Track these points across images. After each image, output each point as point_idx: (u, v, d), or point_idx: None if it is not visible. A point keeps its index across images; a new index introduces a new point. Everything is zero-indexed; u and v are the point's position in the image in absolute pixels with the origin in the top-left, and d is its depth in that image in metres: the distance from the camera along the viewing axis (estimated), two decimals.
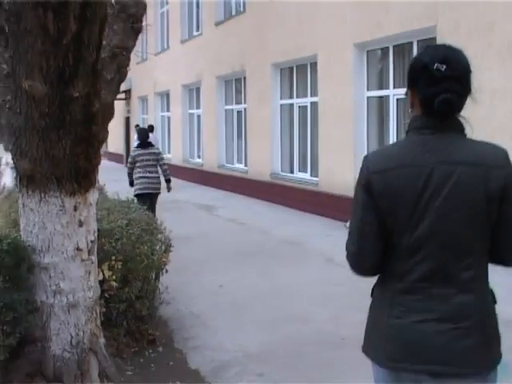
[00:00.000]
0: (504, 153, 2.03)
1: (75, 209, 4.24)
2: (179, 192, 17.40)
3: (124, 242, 4.96)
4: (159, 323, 5.74)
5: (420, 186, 1.98)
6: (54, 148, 3.96)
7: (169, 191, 10.89)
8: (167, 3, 23.25)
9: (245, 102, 16.35)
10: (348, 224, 2.23)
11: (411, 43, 10.03)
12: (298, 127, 13.89)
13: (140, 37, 21.45)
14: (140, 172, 10.17)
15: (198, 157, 20.34)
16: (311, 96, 13.12)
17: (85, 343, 4.50)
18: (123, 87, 31.37)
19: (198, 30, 19.98)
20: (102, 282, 4.76)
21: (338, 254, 8.61)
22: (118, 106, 32.49)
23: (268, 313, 6.12)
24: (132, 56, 23.29)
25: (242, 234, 10.75)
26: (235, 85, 17.56)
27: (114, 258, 4.87)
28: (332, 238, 9.85)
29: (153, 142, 16.80)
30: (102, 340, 4.68)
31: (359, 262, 2.15)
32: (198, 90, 20.16)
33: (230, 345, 5.28)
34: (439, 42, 8.87)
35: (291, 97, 14.19)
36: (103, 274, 4.80)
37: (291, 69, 14.19)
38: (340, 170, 11.09)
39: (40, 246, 4.24)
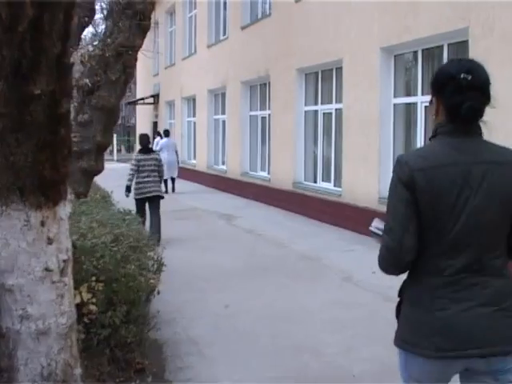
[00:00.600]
0: None
1: (42, 224, 3.71)
2: (200, 199, 16.99)
3: (107, 261, 4.44)
4: (153, 349, 5.20)
5: (459, 183, 2.18)
6: (13, 154, 3.45)
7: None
8: (195, 7, 22.84)
9: (269, 108, 15.80)
10: (374, 226, 2.41)
11: (441, 47, 9.39)
12: (322, 135, 13.30)
13: (168, 41, 21.24)
14: (143, 177, 10.44)
15: (223, 163, 19.85)
16: (336, 102, 12.53)
17: (57, 374, 3.96)
18: (151, 91, 31.27)
19: (224, 34, 19.53)
20: (80, 306, 4.24)
21: (357, 271, 8.13)
22: (147, 110, 32.28)
23: (274, 341, 5.53)
24: (160, 60, 23.14)
25: (258, 246, 10.19)
26: (260, 90, 17.03)
27: (94, 278, 4.35)
28: (353, 253, 9.28)
29: (170, 147, 18.49)
30: (79, 371, 4.13)
31: (399, 258, 2.25)
32: (223, 95, 19.69)
33: (225, 379, 4.71)
34: (471, 45, 8.25)
35: (316, 103, 13.61)
36: (81, 297, 4.28)
37: (316, 74, 13.62)
38: (364, 180, 10.48)
39: (3, 266, 3.72)
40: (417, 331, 2.26)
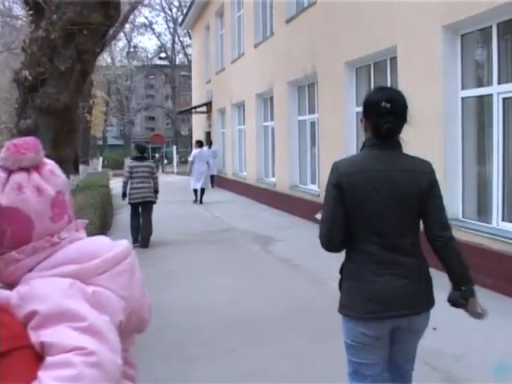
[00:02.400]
0: (429, 164, 3.04)
1: None
2: (243, 217, 14.96)
3: None
4: None
5: (375, 185, 2.87)
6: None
7: (156, 199, 11.72)
8: (243, 7, 20.90)
9: (318, 111, 13.62)
10: (318, 215, 3.10)
11: None
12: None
13: (219, 44, 19.08)
14: (135, 183, 11.14)
15: (272, 175, 17.75)
16: None
17: None
18: (203, 99, 29.52)
19: (270, 30, 17.46)
20: None
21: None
22: (201, 119, 30.58)
23: None
24: (212, 66, 20.80)
25: (288, 283, 8.05)
26: (308, 91, 14.86)
27: None
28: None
29: (201, 158, 19.13)
30: None
31: (330, 241, 3.00)
32: (271, 99, 17.62)
33: None
34: None
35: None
36: None
37: (368, 67, 11.37)
38: None
39: None
40: (353, 299, 2.96)
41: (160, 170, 47.08)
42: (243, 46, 20.81)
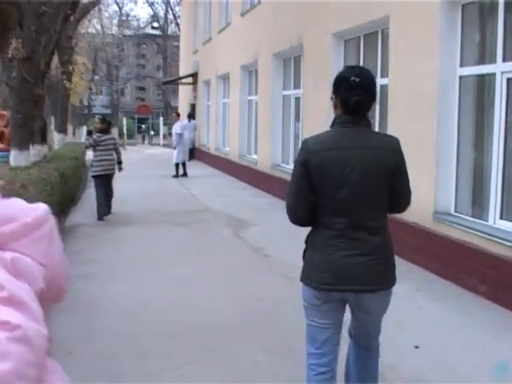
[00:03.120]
0: (397, 141, 3.12)
1: None
2: (220, 197, 14.02)
3: None
4: None
5: (342, 163, 2.94)
6: None
7: (120, 171, 11.88)
8: None
9: (303, 86, 12.62)
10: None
11: None
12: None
13: (207, 13, 17.94)
14: (102, 155, 11.18)
15: (255, 153, 16.76)
16: (381, 77, 9.26)
17: None
18: (190, 70, 28.40)
19: None
20: None
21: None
22: (187, 91, 29.46)
23: None
24: (199, 36, 19.74)
25: (255, 279, 7.14)
26: (294, 64, 13.84)
27: None
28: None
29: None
30: None
31: (296, 213, 3.13)
32: (256, 72, 16.56)
33: None
34: None
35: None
36: None
37: (357, 40, 10.37)
38: (417, 183, 7.24)
39: None
40: (312, 269, 3.11)
41: (146, 142, 46.15)
42: (230, 14, 19.70)
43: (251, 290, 6.66)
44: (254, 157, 16.72)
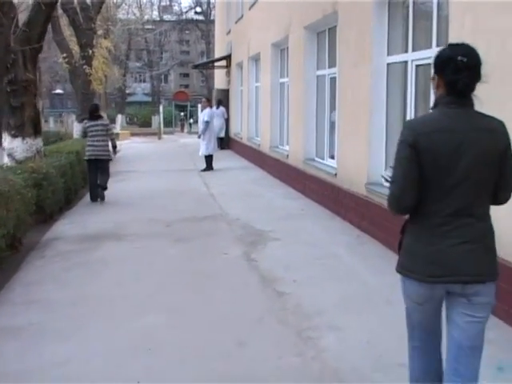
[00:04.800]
0: (503, 123, 2.88)
1: None
2: (242, 198, 11.88)
3: None
4: None
5: (454, 145, 2.74)
6: None
7: (115, 154, 13.51)
8: None
9: (338, 64, 10.25)
10: (386, 173, 3.04)
11: None
12: (413, 98, 7.66)
13: None
14: (89, 141, 11.63)
15: (287, 143, 14.44)
16: (437, 46, 6.88)
17: None
18: (223, 52, 26.18)
19: None
20: None
21: None
22: (221, 75, 27.26)
23: None
24: (232, 14, 17.06)
25: (255, 341, 4.88)
26: (328, 38, 11.46)
27: None
28: None
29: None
30: None
31: (401, 202, 2.86)
32: (288, 50, 14.20)
33: None
34: None
35: (405, 50, 7.96)
36: None
37: (404, 3, 7.97)
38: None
39: None
40: (415, 260, 2.87)
41: (185, 130, 44.11)
42: None
43: (245, 362, 4.42)
44: (286, 148, 14.42)
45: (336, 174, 9.95)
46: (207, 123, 16.72)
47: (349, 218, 9.21)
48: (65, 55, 22.32)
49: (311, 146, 12.20)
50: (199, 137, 17.09)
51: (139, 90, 71.40)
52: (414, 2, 7.64)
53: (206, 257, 7.53)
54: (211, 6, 61.02)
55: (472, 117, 2.84)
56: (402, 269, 2.96)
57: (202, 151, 16.93)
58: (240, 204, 11.22)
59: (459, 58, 2.78)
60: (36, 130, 12.15)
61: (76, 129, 22.46)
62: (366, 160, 8.56)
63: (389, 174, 2.98)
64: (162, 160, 20.55)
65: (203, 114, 17.31)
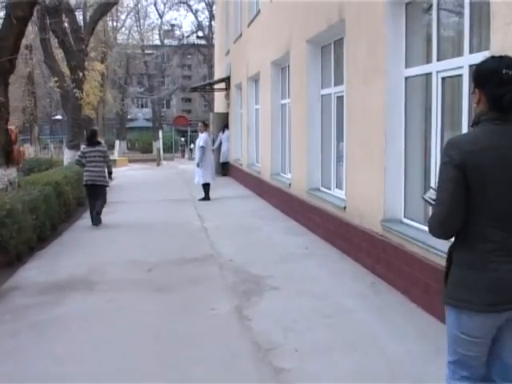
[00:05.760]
0: None
1: None
2: (239, 233, 10.52)
3: None
4: None
5: (503, 164, 2.60)
6: None
7: (110, 179, 12.69)
8: None
9: (346, 81, 8.93)
10: (427, 196, 2.87)
11: None
12: (439, 118, 6.30)
13: (238, 7, 14.22)
14: (88, 166, 11.76)
15: (290, 171, 13.09)
16: (470, 53, 5.55)
17: None
18: (222, 74, 24.94)
19: None
20: None
21: None
22: (221, 98, 26.02)
23: None
24: (231, 33, 15.73)
25: None
26: (334, 52, 10.17)
27: None
28: None
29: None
30: None
31: (447, 227, 2.71)
32: (289, 68, 12.92)
33: None
34: None
35: (428, 60, 6.63)
36: None
37: (425, 5, 6.67)
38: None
39: None
40: (471, 290, 2.66)
41: (186, 156, 42.80)
42: (259, 1, 16.11)
43: None
44: (288, 176, 13.07)
45: (345, 208, 8.58)
46: (203, 149, 15.47)
47: (361, 259, 7.83)
48: (56, 79, 21.19)
49: (316, 174, 10.85)
50: (198, 165, 15.69)
51: (140, 115, 70.52)
52: (438, 2, 6.32)
53: (188, 314, 6.14)
54: (213, 29, 60.19)
55: None
56: (453, 300, 2.77)
57: (198, 179, 15.65)
58: (235, 241, 9.86)
59: (504, 70, 2.63)
60: (8, 159, 10.89)
61: (66, 156, 21.22)
62: (382, 192, 7.20)
63: (431, 196, 2.84)
64: (157, 189, 19.22)
65: (199, 140, 16.02)
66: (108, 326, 5.81)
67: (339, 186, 9.76)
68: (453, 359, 2.90)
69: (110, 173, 12.28)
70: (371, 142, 7.58)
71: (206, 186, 15.57)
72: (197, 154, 16.23)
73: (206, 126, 16.64)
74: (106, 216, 12.43)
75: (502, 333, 2.79)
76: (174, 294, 6.89)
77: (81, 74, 20.52)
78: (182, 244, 9.77)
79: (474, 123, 2.77)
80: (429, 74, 6.47)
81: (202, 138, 15.78)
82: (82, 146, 12.49)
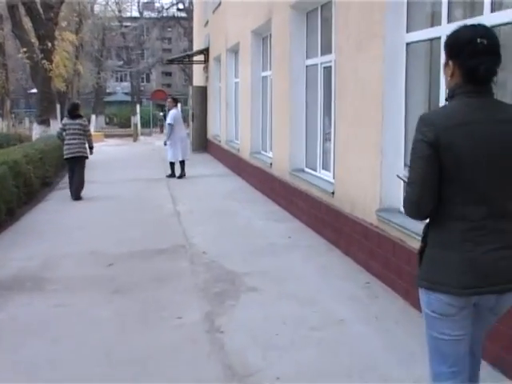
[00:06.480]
0: None
1: None
2: (214, 218, 9.58)
3: None
4: None
5: (480, 140, 2.41)
6: None
7: (91, 154, 12.56)
8: None
9: (336, 49, 7.89)
10: (403, 174, 2.67)
11: None
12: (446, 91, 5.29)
13: None
14: (66, 139, 11.85)
15: (271, 150, 12.07)
16: (492, 11, 4.54)
17: None
18: (201, 46, 23.69)
19: None
20: None
21: None
22: (200, 72, 24.85)
23: None
24: (210, 2, 14.68)
25: None
26: (321, 18, 9.11)
27: None
28: None
29: (174, 118, 15.01)
30: None
31: (419, 208, 2.53)
32: (271, 37, 11.82)
33: None
34: None
35: (436, 22, 5.62)
36: None
37: None
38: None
39: None
40: (445, 271, 2.49)
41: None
42: None
43: None
44: (269, 155, 12.05)
45: (333, 193, 7.59)
46: (170, 126, 14.68)
47: (352, 253, 6.86)
48: (25, 49, 19.89)
49: (300, 153, 9.83)
50: (165, 143, 14.92)
51: (119, 89, 68.86)
52: None
53: (149, 324, 5.13)
54: (193, 2, 58.54)
55: (495, 106, 2.52)
56: (428, 282, 2.56)
57: (170, 157, 14.84)
58: (210, 228, 8.86)
59: (479, 40, 2.43)
60: None
61: (35, 131, 20.04)
62: (377, 177, 6.20)
63: (406, 173, 2.64)
64: (130, 167, 18.12)
65: (168, 116, 15.05)
66: (51, 341, 4.80)
67: (326, 167, 8.77)
68: (430, 352, 2.70)
69: (90, 147, 12.41)
70: (365, 117, 6.57)
71: (173, 164, 15.01)
72: (166, 130, 15.42)
73: (175, 101, 15.68)
74: (68, 199, 11.40)
75: (474, 325, 2.64)
76: (135, 295, 5.88)
77: (49, 44, 19.26)
78: (151, 232, 8.75)
79: (448, 97, 2.59)
80: (437, 39, 5.43)
81: (170, 115, 14.88)
82: (64, 120, 12.54)
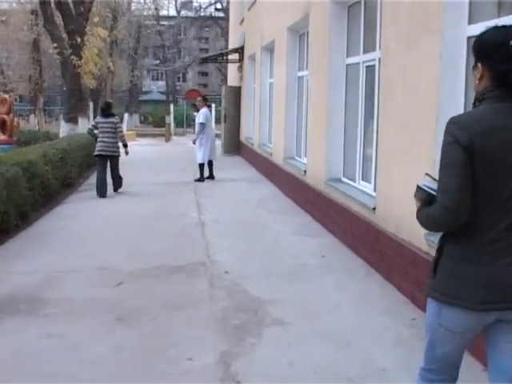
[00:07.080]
0: None
1: None
2: (240, 232, 8.70)
3: None
4: None
5: (505, 146, 2.25)
6: None
7: (126, 154, 12.70)
8: None
9: (381, 46, 6.97)
10: (423, 183, 2.45)
11: None
12: None
13: None
14: (100, 137, 12.06)
15: (305, 155, 11.17)
16: None
17: None
18: (236, 44, 22.83)
19: None
20: None
21: None
22: (234, 71, 24.06)
23: None
24: (245, 1, 13.16)
25: None
26: (365, 13, 8.19)
27: None
28: None
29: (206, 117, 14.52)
30: None
31: (456, 217, 2.29)
32: (308, 35, 10.92)
33: None
34: None
35: (498, 13, 4.68)
36: None
37: None
38: None
39: None
40: (460, 284, 2.33)
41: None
42: None
43: None
44: (304, 161, 11.16)
45: (374, 209, 6.67)
46: (202, 125, 13.91)
47: (395, 280, 5.94)
48: (55, 45, 19.34)
49: (337, 161, 8.92)
50: (194, 142, 14.25)
51: (154, 88, 68.64)
52: None
53: (153, 367, 4.29)
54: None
55: None
56: (438, 294, 2.41)
57: (199, 158, 14.11)
58: (235, 242, 8.02)
59: (511, 42, 2.28)
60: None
61: (62, 129, 19.47)
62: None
63: (427, 184, 2.42)
64: (158, 169, 17.41)
65: (198, 115, 14.34)
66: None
67: (366, 178, 7.85)
68: (428, 367, 2.57)
69: (125, 145, 12.51)
70: (415, 122, 5.65)
71: (202, 166, 14.33)
72: (196, 130, 14.77)
73: (205, 100, 14.99)
74: (87, 203, 10.68)
75: (493, 334, 2.45)
76: (141, 326, 5.06)
77: (79, 40, 18.66)
78: (170, 245, 7.94)
79: (476, 100, 2.44)
80: None
81: (201, 114, 14.19)
82: (97, 118, 12.92)
